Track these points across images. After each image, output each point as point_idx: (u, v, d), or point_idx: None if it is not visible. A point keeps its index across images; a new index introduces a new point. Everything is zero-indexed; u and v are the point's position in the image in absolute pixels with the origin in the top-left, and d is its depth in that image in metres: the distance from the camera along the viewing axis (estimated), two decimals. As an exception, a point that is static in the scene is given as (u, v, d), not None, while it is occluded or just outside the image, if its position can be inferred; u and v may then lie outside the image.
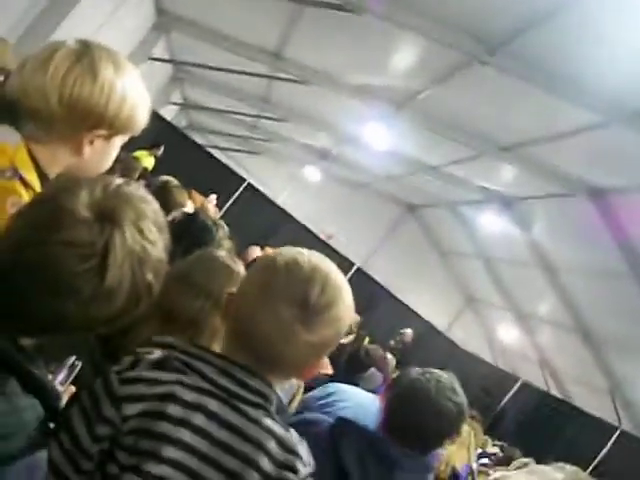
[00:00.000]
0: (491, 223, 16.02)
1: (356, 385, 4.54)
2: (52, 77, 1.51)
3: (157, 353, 1.52)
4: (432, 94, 11.02)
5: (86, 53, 1.54)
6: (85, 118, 1.52)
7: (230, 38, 12.41)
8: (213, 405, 1.47)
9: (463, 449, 7.54)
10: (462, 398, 2.43)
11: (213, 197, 11.57)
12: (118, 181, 1.30)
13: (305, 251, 1.50)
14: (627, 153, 9.58)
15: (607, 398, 15.59)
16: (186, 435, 1.45)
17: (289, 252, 1.48)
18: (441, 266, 22.14)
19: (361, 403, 3.81)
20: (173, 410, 1.45)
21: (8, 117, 1.62)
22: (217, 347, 2.22)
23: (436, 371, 2.52)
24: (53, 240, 1.18)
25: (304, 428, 2.41)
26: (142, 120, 1.67)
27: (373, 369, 5.66)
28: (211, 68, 13.75)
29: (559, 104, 8.62)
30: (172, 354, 1.52)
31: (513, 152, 11.91)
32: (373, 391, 5.30)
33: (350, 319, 1.48)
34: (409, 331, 15.43)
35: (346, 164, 19.43)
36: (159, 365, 1.49)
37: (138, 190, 1.33)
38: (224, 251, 2.63)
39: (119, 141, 1.67)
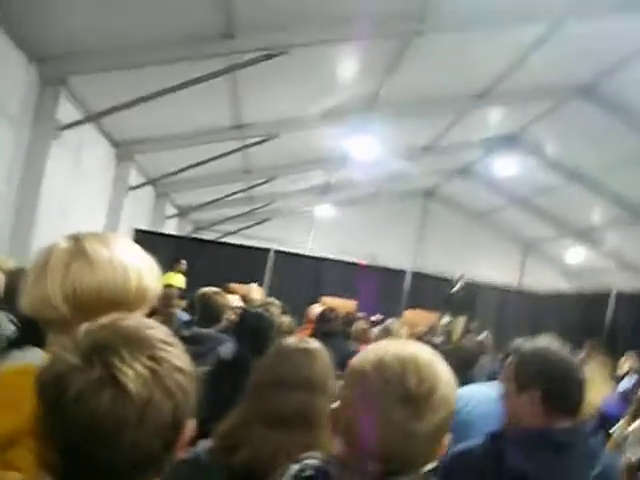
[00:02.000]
0: (508, 167, 15.83)
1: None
2: (52, 282, 1.51)
3: (308, 468, 1.55)
4: (390, 85, 11.08)
5: (77, 248, 1.54)
6: (98, 306, 1.49)
7: (189, 134, 12.60)
8: None
9: (593, 386, 7.19)
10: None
11: (254, 285, 11.61)
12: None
13: (383, 345, 1.43)
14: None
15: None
16: None
17: (370, 354, 1.40)
18: (486, 228, 22.01)
19: (483, 398, 3.73)
20: None
21: (34, 336, 1.63)
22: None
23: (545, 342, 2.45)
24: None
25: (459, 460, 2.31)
26: (153, 289, 1.62)
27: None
28: (186, 168, 13.91)
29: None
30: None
31: (488, 96, 11.98)
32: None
33: (453, 393, 1.40)
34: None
35: (348, 186, 19.49)
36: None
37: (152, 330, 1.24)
38: (289, 334, 2.61)
39: (140, 313, 1.60)
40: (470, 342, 5.67)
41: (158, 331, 1.22)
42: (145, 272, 1.61)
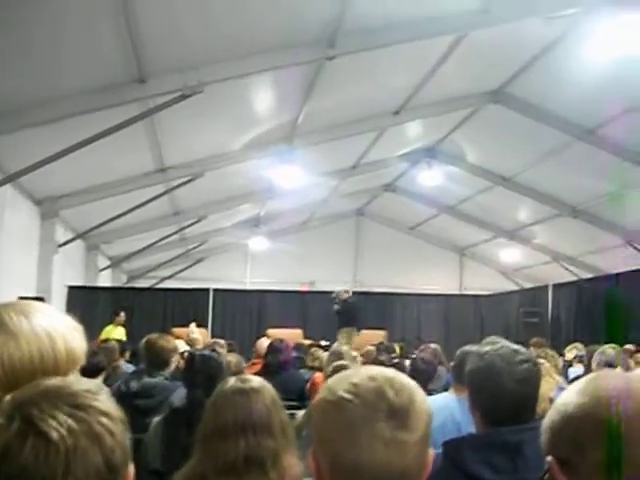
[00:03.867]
0: (432, 178, 16.07)
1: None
2: None
3: None
4: (307, 112, 11.18)
5: None
6: (30, 378, 1.42)
7: (113, 183, 12.42)
8: None
9: (545, 378, 7.31)
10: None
11: (192, 325, 11.41)
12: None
13: (345, 374, 1.40)
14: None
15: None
16: None
17: (339, 384, 1.35)
18: (420, 239, 22.29)
19: (438, 408, 3.73)
20: None
21: None
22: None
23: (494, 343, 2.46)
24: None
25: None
26: (80, 349, 1.57)
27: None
28: (113, 218, 13.68)
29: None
30: None
31: (405, 111, 12.24)
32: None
33: (426, 400, 1.39)
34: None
35: (279, 216, 19.53)
36: None
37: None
38: (238, 373, 2.57)
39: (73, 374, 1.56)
40: (426, 354, 5.70)
41: (82, 383, 1.22)
42: (69, 334, 1.54)
